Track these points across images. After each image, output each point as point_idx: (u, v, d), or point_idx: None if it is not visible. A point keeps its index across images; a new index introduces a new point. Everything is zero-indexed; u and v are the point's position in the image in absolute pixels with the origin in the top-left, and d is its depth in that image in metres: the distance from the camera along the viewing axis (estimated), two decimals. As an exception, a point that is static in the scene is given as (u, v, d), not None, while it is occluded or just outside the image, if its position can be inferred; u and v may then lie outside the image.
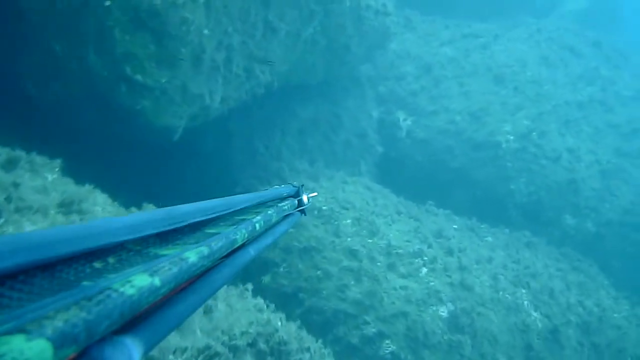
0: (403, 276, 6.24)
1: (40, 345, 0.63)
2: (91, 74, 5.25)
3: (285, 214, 2.15)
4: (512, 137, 9.82)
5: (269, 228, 1.83)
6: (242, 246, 1.49)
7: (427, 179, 10.06)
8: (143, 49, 5.13)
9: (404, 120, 10.56)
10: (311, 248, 6.44)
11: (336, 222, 6.86)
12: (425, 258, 6.43)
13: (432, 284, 6.16)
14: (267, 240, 1.77)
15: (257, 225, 1.63)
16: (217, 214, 1.46)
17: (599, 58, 12.23)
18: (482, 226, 8.18)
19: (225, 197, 1.62)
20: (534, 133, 9.81)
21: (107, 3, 4.90)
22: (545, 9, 16.86)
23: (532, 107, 10.29)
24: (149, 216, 1.11)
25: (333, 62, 8.46)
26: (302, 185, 2.48)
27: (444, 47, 11.74)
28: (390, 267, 6.32)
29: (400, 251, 6.52)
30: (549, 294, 6.61)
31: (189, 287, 1.14)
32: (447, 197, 9.88)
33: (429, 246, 6.66)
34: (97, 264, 0.95)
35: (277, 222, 2.01)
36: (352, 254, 6.40)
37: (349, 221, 6.91)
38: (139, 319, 0.91)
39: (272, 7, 6.50)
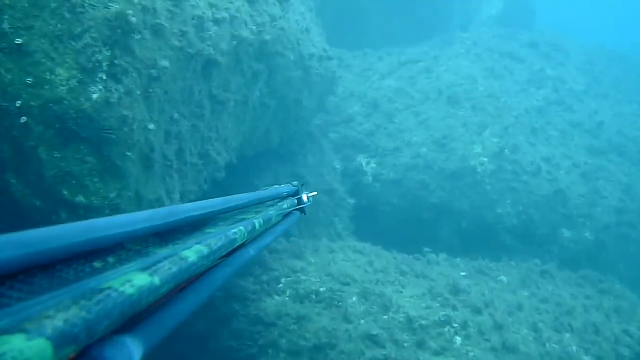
0: (437, 353, 5.39)
1: (41, 345, 0.64)
2: (20, 206, 4.21)
3: (285, 213, 2.15)
4: (486, 159, 9.32)
5: (269, 227, 1.83)
6: (242, 246, 1.51)
7: (410, 221, 9.37)
8: (80, 164, 4.15)
9: (367, 164, 9.89)
10: (323, 345, 5.49)
11: (341, 304, 5.95)
12: (456, 325, 5.62)
13: (472, 354, 5.35)
14: (267, 239, 1.78)
15: (257, 225, 1.64)
16: (217, 214, 1.50)
17: (540, 59, 12.11)
18: (491, 265, 7.50)
19: (225, 197, 1.63)
20: (506, 150, 9.35)
21: (24, 120, 3.91)
22: (464, 23, 16.95)
23: (496, 123, 9.87)
24: (149, 216, 1.14)
25: (287, 122, 7.69)
26: (302, 185, 2.52)
27: (386, 79, 11.25)
28: (420, 345, 5.46)
29: (424, 322, 5.68)
30: (593, 331, 5.94)
31: (189, 286, 1.18)
32: (434, 236, 9.23)
33: (454, 309, 5.87)
34: (97, 264, 0.98)
35: (277, 222, 2.01)
36: (372, 340, 5.50)
37: (354, 299, 6.03)
38: (139, 318, 0.94)
39: (214, 79, 5.67)
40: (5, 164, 4.12)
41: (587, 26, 34.07)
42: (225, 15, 5.58)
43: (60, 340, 0.67)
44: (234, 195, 1.76)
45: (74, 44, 4.08)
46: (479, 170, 9.21)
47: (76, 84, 4.07)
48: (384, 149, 9.86)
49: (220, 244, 1.27)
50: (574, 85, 11.49)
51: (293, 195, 2.63)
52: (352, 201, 8.99)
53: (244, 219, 1.67)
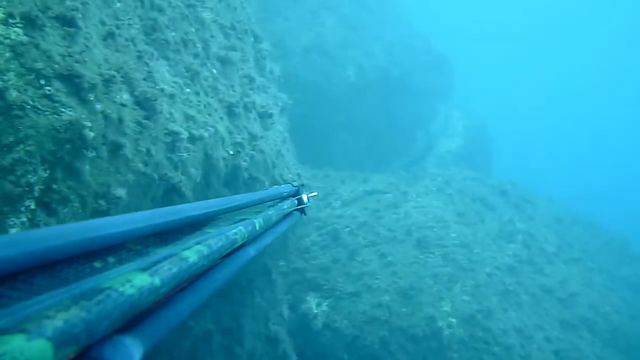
0: None
1: (41, 345, 0.66)
2: None
3: (285, 213, 2.27)
4: (454, 321, 8.42)
5: (269, 227, 1.91)
6: (243, 246, 1.58)
7: (361, 384, 8.19)
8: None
9: (318, 305, 8.77)
10: None
11: None
12: None
13: None
14: (267, 239, 1.86)
15: (257, 225, 1.72)
16: (217, 214, 1.56)
17: (509, 208, 11.75)
18: None
19: (225, 197, 1.73)
20: (479, 315, 8.52)
21: None
22: (422, 152, 16.85)
23: (467, 277, 9.10)
24: (149, 216, 1.16)
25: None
26: (302, 185, 2.68)
27: (349, 207, 10.44)
28: None
29: None
30: None
31: (189, 286, 1.21)
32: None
33: None
34: (97, 264, 1.00)
35: (277, 222, 2.11)
36: None
37: None
38: (139, 318, 0.95)
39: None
40: None
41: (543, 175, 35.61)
42: (203, 132, 4.58)
43: (60, 340, 0.68)
44: (234, 196, 1.78)
45: (-3, 158, 2.93)
46: (446, 332, 8.27)
47: (-13, 217, 2.89)
48: (341, 291, 8.80)
49: (220, 244, 1.29)
50: (543, 243, 11.07)
51: (293, 196, 2.61)
52: (295, 358, 7.73)
53: (244, 219, 1.66)
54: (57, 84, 3.19)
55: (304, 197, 2.74)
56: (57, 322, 0.70)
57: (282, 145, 6.87)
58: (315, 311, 8.64)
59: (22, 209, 2.97)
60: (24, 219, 2.97)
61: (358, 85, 15.06)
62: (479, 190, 11.72)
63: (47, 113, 3.09)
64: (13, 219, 2.93)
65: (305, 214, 2.78)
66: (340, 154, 14.63)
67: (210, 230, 1.46)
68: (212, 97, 5.32)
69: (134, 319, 0.92)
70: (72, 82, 3.27)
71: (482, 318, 8.49)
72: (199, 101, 5.03)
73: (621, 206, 32.23)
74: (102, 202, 3.38)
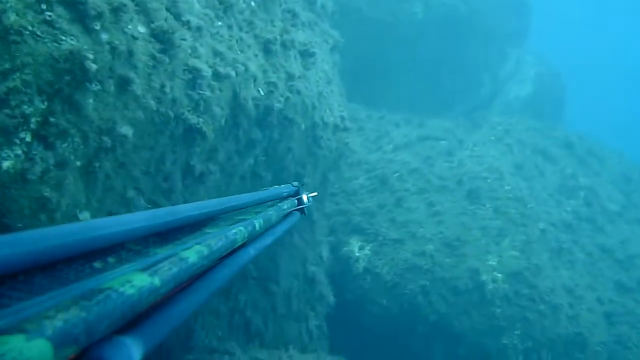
0: None
1: (40, 345, 0.66)
2: None
3: (285, 213, 2.24)
4: (500, 276, 8.09)
5: (269, 228, 1.88)
6: (243, 246, 1.56)
7: (399, 332, 8.08)
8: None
9: (361, 249, 8.62)
10: None
11: None
12: None
13: None
14: (267, 240, 1.84)
15: (257, 225, 1.70)
16: (217, 214, 1.55)
17: (573, 163, 11.02)
18: None
19: (225, 197, 1.72)
20: (527, 272, 8.13)
21: None
22: (488, 97, 16.02)
23: (518, 232, 8.67)
24: (149, 216, 1.15)
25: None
26: (302, 185, 2.66)
27: (400, 152, 10.08)
28: None
29: None
30: None
31: (189, 286, 1.19)
32: (425, 358, 7.95)
33: None
34: (97, 264, 0.99)
35: (278, 222, 2.08)
36: None
37: None
38: (139, 318, 0.95)
39: (197, 146, 4.40)
40: None
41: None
42: (230, 70, 4.35)
43: (60, 341, 0.68)
44: (234, 196, 1.79)
45: (-12, 87, 2.82)
46: (490, 287, 7.96)
47: (-23, 146, 2.82)
48: (384, 236, 8.59)
49: (220, 244, 1.29)
50: (607, 202, 10.38)
51: (293, 196, 2.62)
52: (332, 299, 7.66)
53: (244, 219, 1.67)
54: (59, 9, 3.02)
55: (304, 197, 2.72)
56: (57, 322, 0.70)
57: (326, 87, 6.55)
58: (357, 254, 8.51)
59: (17, 141, 2.87)
60: (19, 152, 2.88)
61: (424, 23, 14.30)
62: (542, 142, 11.02)
63: (46, 40, 2.94)
64: (7, 151, 2.84)
65: (305, 214, 2.76)
66: (400, 95, 14.09)
67: (210, 230, 1.47)
68: (246, 32, 5.06)
69: (134, 319, 0.92)
70: (76, 8, 3.08)
71: (530, 275, 8.11)
72: (230, 36, 4.78)
73: None
74: (106, 138, 3.25)
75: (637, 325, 8.43)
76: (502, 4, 16.02)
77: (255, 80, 4.86)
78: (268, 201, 2.22)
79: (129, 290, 0.87)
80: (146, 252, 1.14)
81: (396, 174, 9.49)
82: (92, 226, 0.96)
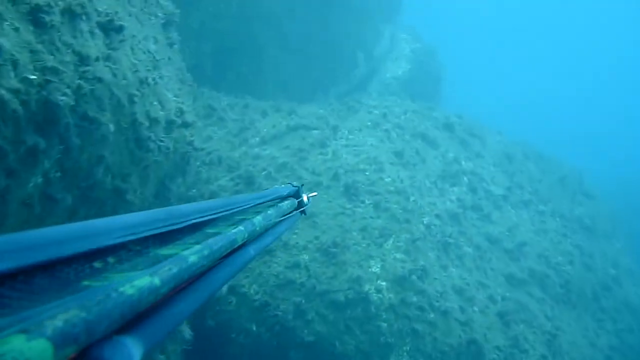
0: None
1: (41, 345, 0.66)
2: None
3: (285, 213, 2.18)
4: (384, 284, 7.05)
5: (269, 228, 1.90)
6: (243, 246, 1.56)
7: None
8: None
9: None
10: None
11: None
12: None
13: None
14: (267, 240, 1.85)
15: (257, 225, 1.70)
16: (217, 214, 1.52)
17: (455, 145, 10.25)
18: None
19: (225, 197, 1.86)
20: (414, 276, 7.15)
21: None
22: (364, 78, 15.14)
23: (402, 230, 7.67)
24: (149, 216, 1.16)
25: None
26: (302, 185, 2.62)
27: (268, 146, 8.75)
28: None
29: None
30: None
31: (189, 286, 1.18)
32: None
33: None
34: (97, 264, 0.99)
35: (277, 222, 2.06)
36: None
37: None
38: (139, 318, 0.94)
39: None
40: None
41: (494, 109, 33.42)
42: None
43: (60, 341, 0.68)
44: (234, 196, 1.98)
45: None
46: (374, 298, 6.91)
47: None
48: (251, 248, 7.27)
49: (220, 244, 1.30)
50: (492, 186, 9.72)
51: (293, 196, 2.58)
52: (189, 332, 6.23)
53: (244, 219, 1.67)
54: None
55: (304, 198, 2.70)
56: (57, 322, 0.69)
57: (153, 72, 5.07)
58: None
59: None
60: None
61: (290, -5, 13.02)
62: (421, 125, 10.13)
63: None
64: None
65: (305, 214, 2.76)
66: (271, 79, 12.77)
67: (211, 230, 1.44)
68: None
69: (134, 319, 0.90)
70: None
71: (417, 279, 7.15)
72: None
73: (576, 145, 31.13)
74: None
75: (533, 323, 7.77)
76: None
77: (15, 65, 3.30)
78: (268, 201, 2.16)
79: (129, 290, 0.85)
80: (146, 252, 1.11)
81: (264, 172, 8.17)
82: (92, 226, 0.95)
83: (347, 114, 9.93)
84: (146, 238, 1.14)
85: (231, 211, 1.64)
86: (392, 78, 15.47)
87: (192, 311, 1.14)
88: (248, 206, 1.84)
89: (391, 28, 15.63)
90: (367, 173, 8.28)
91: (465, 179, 9.46)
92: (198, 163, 8.06)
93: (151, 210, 1.22)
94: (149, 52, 5.19)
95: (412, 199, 8.17)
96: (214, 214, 1.48)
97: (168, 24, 6.28)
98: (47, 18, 3.62)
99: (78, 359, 0.75)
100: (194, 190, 7.86)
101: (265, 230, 1.83)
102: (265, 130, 9.15)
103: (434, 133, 10.11)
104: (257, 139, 8.95)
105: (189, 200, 7.62)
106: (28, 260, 0.80)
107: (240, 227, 1.52)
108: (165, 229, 1.19)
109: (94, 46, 4.10)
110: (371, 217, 7.69)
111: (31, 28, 3.58)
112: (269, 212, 1.93)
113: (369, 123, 9.57)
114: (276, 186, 2.55)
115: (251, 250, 1.60)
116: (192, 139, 5.98)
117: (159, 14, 6.03)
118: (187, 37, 12.06)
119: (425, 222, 7.98)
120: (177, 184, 6.12)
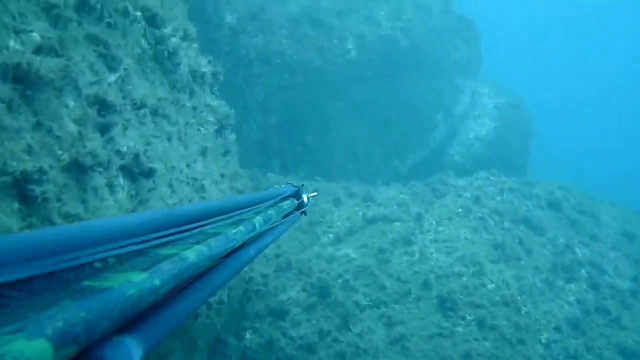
0: None
1: (41, 345, 0.64)
2: None
3: (285, 213, 2.26)
4: None
5: (269, 228, 1.89)
6: (243, 246, 1.56)
7: None
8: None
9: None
10: None
11: None
12: None
13: None
14: (268, 240, 1.87)
15: (257, 225, 1.70)
16: (218, 214, 1.48)
17: (564, 227, 8.68)
18: None
19: (226, 198, 1.81)
20: None
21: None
22: (444, 141, 13.79)
23: (516, 356, 6.19)
24: (150, 217, 1.13)
25: None
26: (302, 185, 2.66)
27: (343, 244, 7.53)
28: None
29: None
30: None
31: (189, 286, 1.19)
32: None
33: None
34: (97, 264, 0.96)
35: (278, 222, 2.09)
36: None
37: None
38: (139, 318, 0.93)
39: None
40: None
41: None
42: None
43: (60, 340, 0.66)
44: (235, 196, 2.02)
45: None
46: None
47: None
48: (329, 383, 6.00)
49: (220, 244, 1.29)
50: (615, 277, 8.07)
51: (293, 196, 2.56)
52: None
53: (244, 219, 1.63)
54: None
55: (305, 198, 2.63)
56: (57, 322, 0.67)
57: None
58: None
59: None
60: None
61: (359, 61, 12.01)
62: (522, 206, 8.65)
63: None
64: None
65: (305, 214, 2.69)
66: (339, 147, 11.71)
67: (211, 230, 1.38)
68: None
69: (134, 319, 0.88)
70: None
71: None
72: None
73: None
74: None
75: None
76: (446, 29, 13.92)
77: None
78: (268, 202, 2.08)
79: (129, 290, 0.84)
80: (146, 252, 1.07)
81: (340, 280, 6.95)
82: (92, 226, 0.92)
83: (431, 198, 8.59)
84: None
85: (232, 211, 1.55)
86: (475, 138, 14.07)
87: (192, 311, 1.12)
88: (248, 206, 1.76)
89: (471, 84, 14.28)
90: (464, 278, 6.88)
91: (583, 271, 7.87)
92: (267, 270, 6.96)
93: (152, 211, 1.19)
94: (194, 180, 4.14)
95: (524, 310, 6.68)
96: (215, 214, 1.41)
97: (222, 127, 5.27)
98: (38, 189, 2.60)
99: (78, 358, 0.74)
100: (260, 306, 6.71)
101: (266, 230, 1.80)
102: (339, 223, 7.96)
103: (538, 214, 8.60)
104: (331, 235, 7.76)
105: (259, 315, 6.48)
106: (28, 260, 0.75)
107: (241, 227, 1.51)
108: (167, 239, 1.13)
109: (113, 205, 3.04)
110: (475, 340, 6.26)
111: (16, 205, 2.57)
112: (269, 212, 1.91)
113: (460, 210, 8.18)
114: (276, 186, 2.54)
115: (251, 250, 1.58)
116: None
117: (211, 119, 5.02)
118: (251, 110, 11.24)
119: (543, 340, 6.47)
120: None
